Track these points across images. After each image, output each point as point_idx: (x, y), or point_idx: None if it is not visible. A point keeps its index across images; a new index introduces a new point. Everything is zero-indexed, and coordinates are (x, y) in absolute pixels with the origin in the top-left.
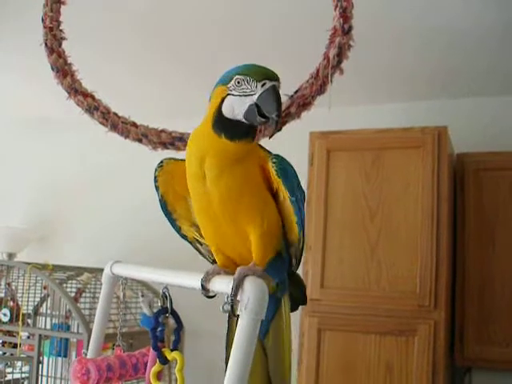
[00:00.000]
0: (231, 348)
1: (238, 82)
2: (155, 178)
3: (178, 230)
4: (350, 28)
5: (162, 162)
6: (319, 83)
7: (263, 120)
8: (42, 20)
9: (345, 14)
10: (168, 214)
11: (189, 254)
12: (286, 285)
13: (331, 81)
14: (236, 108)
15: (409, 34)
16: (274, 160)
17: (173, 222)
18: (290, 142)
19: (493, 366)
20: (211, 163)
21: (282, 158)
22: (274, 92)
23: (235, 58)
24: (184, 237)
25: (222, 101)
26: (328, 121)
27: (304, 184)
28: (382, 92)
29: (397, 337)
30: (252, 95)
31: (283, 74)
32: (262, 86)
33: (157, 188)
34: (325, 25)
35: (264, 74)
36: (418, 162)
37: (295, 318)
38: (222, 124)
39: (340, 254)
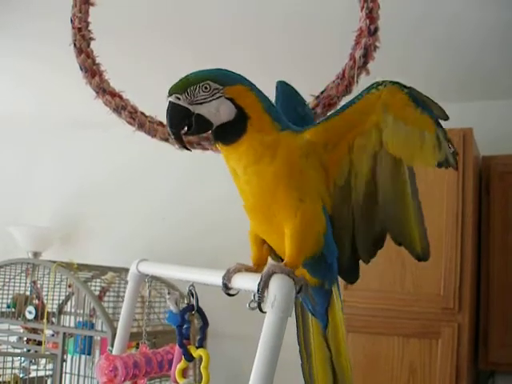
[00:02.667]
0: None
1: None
2: None
3: None
4: (376, 29)
5: None
6: (345, 84)
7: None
8: (71, 21)
9: (371, 15)
10: None
11: (212, 255)
12: (333, 276)
13: (357, 81)
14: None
15: (442, 37)
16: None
17: None
18: None
19: None
20: (234, 161)
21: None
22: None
23: (253, 63)
24: None
25: None
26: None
27: None
28: None
29: (420, 339)
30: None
31: (309, 74)
32: None
33: None
34: (351, 26)
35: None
36: None
37: None
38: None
39: None
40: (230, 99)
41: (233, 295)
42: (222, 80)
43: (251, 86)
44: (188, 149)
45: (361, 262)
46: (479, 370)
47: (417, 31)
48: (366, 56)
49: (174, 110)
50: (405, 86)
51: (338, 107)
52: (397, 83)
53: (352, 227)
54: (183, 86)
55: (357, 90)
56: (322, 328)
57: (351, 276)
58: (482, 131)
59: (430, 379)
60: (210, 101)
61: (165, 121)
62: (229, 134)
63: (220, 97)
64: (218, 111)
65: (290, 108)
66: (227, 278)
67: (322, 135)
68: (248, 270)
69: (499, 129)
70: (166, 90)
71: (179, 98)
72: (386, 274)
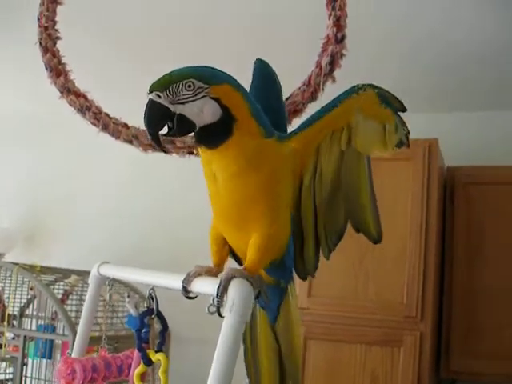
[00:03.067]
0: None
1: None
2: None
3: None
4: (343, 37)
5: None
6: (311, 90)
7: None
8: (38, 19)
9: (338, 23)
10: None
11: (175, 253)
12: (289, 276)
13: (323, 89)
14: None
15: (398, 44)
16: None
17: None
18: None
19: (478, 378)
20: (217, 165)
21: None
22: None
23: (226, 64)
24: None
25: None
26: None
27: None
28: None
29: (382, 347)
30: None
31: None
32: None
33: None
34: (318, 33)
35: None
36: (408, 173)
37: None
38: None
39: (328, 263)
40: (216, 99)
41: (193, 298)
42: (208, 78)
43: (239, 87)
44: (165, 151)
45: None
46: (441, 378)
47: (385, 43)
48: (333, 63)
49: (152, 109)
50: (378, 88)
51: (304, 114)
52: (375, 88)
53: (315, 223)
54: (165, 84)
55: (322, 97)
56: (270, 320)
57: (310, 268)
58: (447, 142)
59: None
60: (194, 100)
61: (129, 122)
62: (213, 136)
63: (204, 96)
64: (202, 111)
65: (263, 97)
66: (187, 281)
67: (302, 142)
68: (208, 272)
69: (464, 140)
70: (136, 90)
71: (160, 96)
72: (348, 282)
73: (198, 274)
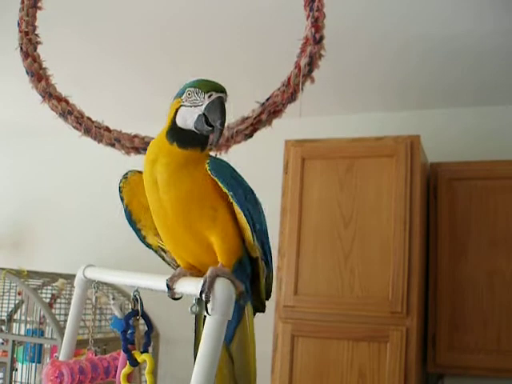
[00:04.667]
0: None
1: (189, 94)
2: (120, 188)
3: (143, 239)
4: (322, 38)
5: (126, 173)
6: (290, 91)
7: (210, 129)
8: (18, 24)
9: (316, 24)
10: (133, 223)
11: (163, 263)
12: (248, 293)
13: (302, 89)
14: (187, 118)
15: (383, 44)
16: (208, 161)
17: (138, 231)
18: (265, 151)
19: (465, 372)
20: (162, 166)
21: (217, 158)
22: (219, 102)
23: (202, 66)
24: (149, 246)
25: (177, 112)
26: (303, 130)
27: (279, 192)
28: (356, 102)
29: (369, 343)
30: (200, 106)
31: (254, 82)
32: (209, 97)
33: (121, 198)
34: (297, 34)
35: (211, 87)
36: (391, 170)
37: (269, 324)
38: (175, 133)
39: (314, 261)
40: None
41: (177, 299)
42: None
43: None
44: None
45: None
46: (428, 372)
47: (373, 41)
48: (311, 64)
49: (224, 106)
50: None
51: (283, 114)
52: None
53: None
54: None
55: (302, 96)
56: (225, 340)
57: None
58: (430, 138)
59: (380, 383)
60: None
61: (110, 126)
62: (191, 140)
63: None
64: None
65: None
66: (171, 282)
67: None
68: (193, 274)
69: (447, 136)
70: (117, 96)
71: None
72: (334, 279)
73: (183, 275)
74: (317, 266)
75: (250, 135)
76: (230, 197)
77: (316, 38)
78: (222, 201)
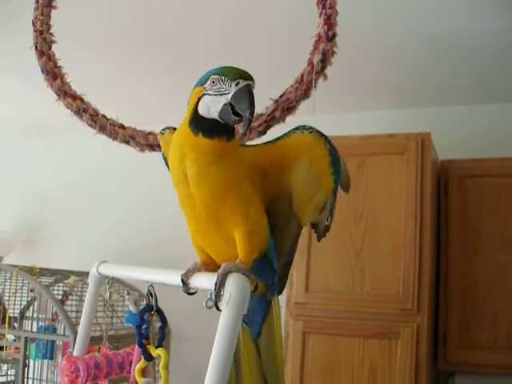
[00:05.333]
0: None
1: (213, 82)
2: (157, 135)
3: None
4: (334, 35)
5: (164, 129)
6: (303, 88)
7: (237, 118)
8: (33, 23)
9: (329, 21)
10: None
11: (174, 262)
12: (275, 287)
13: (315, 86)
14: (211, 107)
15: (399, 43)
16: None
17: None
18: None
19: (476, 369)
20: (190, 161)
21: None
22: (248, 91)
23: (223, 63)
24: None
25: (199, 101)
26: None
27: None
28: (368, 99)
29: (380, 340)
30: (226, 94)
31: (269, 79)
32: (236, 85)
33: (159, 145)
34: (310, 31)
35: (238, 74)
36: (402, 168)
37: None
38: (199, 123)
39: (325, 259)
40: None
41: (193, 294)
42: None
43: None
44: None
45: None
46: (439, 370)
47: (372, 37)
48: (324, 61)
49: (253, 94)
50: (326, 137)
51: (297, 111)
52: (319, 132)
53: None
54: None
55: (315, 93)
56: (253, 335)
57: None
58: (440, 136)
59: (390, 379)
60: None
61: (125, 123)
62: (219, 129)
63: None
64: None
65: None
66: (186, 277)
67: (257, 157)
68: (207, 269)
69: (458, 134)
70: (132, 94)
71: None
72: (345, 276)
73: (197, 270)
74: (328, 264)
75: (264, 132)
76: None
77: (329, 36)
78: (255, 190)
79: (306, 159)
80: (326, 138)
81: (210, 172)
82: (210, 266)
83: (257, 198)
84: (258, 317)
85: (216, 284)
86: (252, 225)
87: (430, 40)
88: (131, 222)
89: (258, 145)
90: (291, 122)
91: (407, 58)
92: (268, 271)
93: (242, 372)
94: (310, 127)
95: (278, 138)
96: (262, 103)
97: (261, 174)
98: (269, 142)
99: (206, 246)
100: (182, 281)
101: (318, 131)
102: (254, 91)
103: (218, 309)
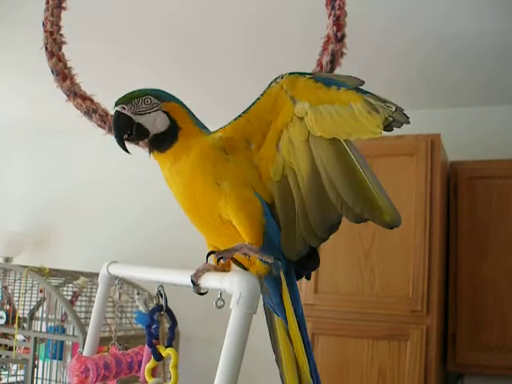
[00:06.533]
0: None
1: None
2: None
3: None
4: (343, 36)
5: None
6: None
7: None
8: (43, 24)
9: (338, 23)
10: None
11: (183, 266)
12: (279, 260)
13: None
14: None
15: (410, 45)
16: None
17: None
18: None
19: (485, 371)
20: (163, 170)
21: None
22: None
23: (221, 70)
24: None
25: None
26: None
27: None
28: None
29: (389, 341)
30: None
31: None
32: None
33: None
34: (319, 32)
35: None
36: (411, 169)
37: None
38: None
39: (334, 260)
40: (166, 113)
41: (203, 294)
42: (161, 97)
43: (183, 105)
44: (128, 152)
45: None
46: (448, 371)
47: (383, 38)
48: (333, 62)
49: (119, 118)
50: (304, 73)
51: None
52: (293, 73)
53: (303, 215)
54: (129, 98)
55: None
56: (285, 325)
57: (312, 262)
58: (450, 137)
59: (399, 381)
60: (150, 112)
61: None
62: (163, 142)
63: (158, 110)
64: (155, 122)
65: None
66: (196, 278)
67: (233, 133)
68: (217, 269)
69: (467, 135)
70: None
71: (124, 108)
72: (354, 277)
73: (207, 270)
74: (337, 265)
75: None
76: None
77: (338, 37)
78: (235, 179)
79: (300, 104)
80: (300, 73)
81: (177, 169)
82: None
83: (234, 179)
84: (276, 298)
85: (224, 253)
86: (235, 205)
87: (440, 42)
88: (140, 225)
89: (227, 124)
90: None
91: (418, 60)
92: (270, 249)
93: (284, 369)
94: (281, 75)
95: (250, 106)
96: None
97: (240, 150)
98: (241, 113)
99: (213, 240)
100: (192, 281)
101: (290, 73)
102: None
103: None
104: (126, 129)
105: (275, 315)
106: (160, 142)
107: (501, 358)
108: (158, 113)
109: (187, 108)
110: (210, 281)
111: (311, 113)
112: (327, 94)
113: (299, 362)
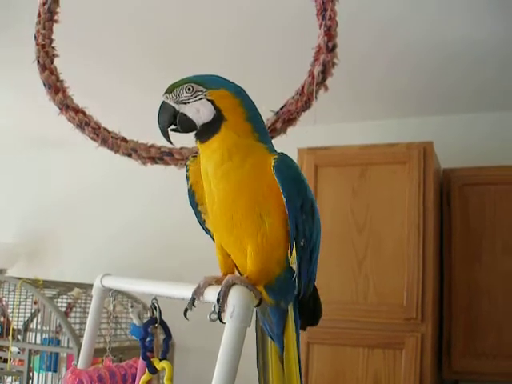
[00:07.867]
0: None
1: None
2: (186, 167)
3: (202, 223)
4: (335, 46)
5: (196, 152)
6: (304, 99)
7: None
8: (35, 37)
9: (329, 33)
10: (194, 205)
11: (177, 273)
12: (291, 296)
13: (316, 97)
14: None
15: (401, 53)
16: (275, 157)
17: (198, 214)
18: None
19: (480, 378)
20: (208, 160)
21: (286, 156)
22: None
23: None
24: (207, 231)
25: None
26: (315, 137)
27: None
28: (370, 109)
29: (384, 350)
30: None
31: (269, 91)
32: None
33: (187, 177)
34: (310, 43)
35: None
36: (404, 177)
37: None
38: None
39: (328, 268)
40: (211, 101)
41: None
42: (206, 83)
43: (238, 94)
44: (171, 144)
45: None
46: (443, 379)
47: (374, 46)
48: (325, 72)
49: (161, 108)
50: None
51: (298, 122)
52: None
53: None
54: (172, 87)
55: (316, 104)
56: (279, 352)
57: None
58: (443, 145)
59: None
60: (193, 101)
61: (127, 137)
62: (205, 133)
63: (202, 98)
64: (199, 111)
65: None
66: (197, 295)
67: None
68: (218, 281)
69: (460, 142)
70: (135, 105)
71: (167, 98)
72: (348, 286)
73: (209, 285)
74: (331, 273)
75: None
76: (283, 199)
77: (329, 47)
78: (278, 207)
79: None
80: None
81: (225, 175)
82: (222, 279)
83: (278, 214)
84: (277, 329)
85: (219, 294)
86: (263, 244)
87: (431, 49)
88: (133, 232)
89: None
90: (292, 132)
91: (409, 68)
92: (282, 289)
93: None
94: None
95: None
96: (263, 115)
97: None
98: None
99: (229, 251)
100: (194, 299)
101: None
102: (256, 103)
103: (221, 321)
104: (169, 119)
105: (269, 339)
106: (203, 133)
107: (496, 365)
108: (202, 101)
109: (243, 98)
110: (208, 295)
111: None
112: None
113: None
